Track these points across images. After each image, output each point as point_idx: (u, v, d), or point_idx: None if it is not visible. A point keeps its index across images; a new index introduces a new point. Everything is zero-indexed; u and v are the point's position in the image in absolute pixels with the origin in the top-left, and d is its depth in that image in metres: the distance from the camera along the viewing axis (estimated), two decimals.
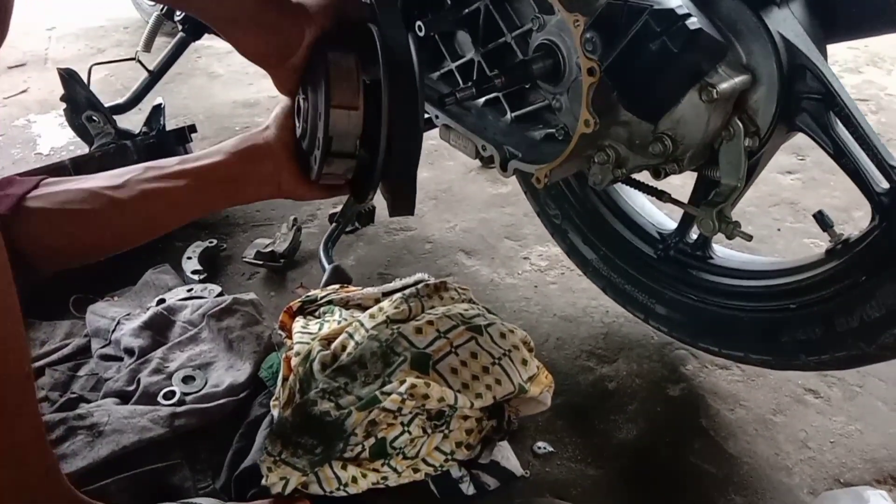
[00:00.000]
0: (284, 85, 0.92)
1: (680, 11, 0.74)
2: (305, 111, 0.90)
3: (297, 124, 0.93)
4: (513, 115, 1.04)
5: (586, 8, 0.82)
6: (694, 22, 0.74)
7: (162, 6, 1.59)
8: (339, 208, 1.49)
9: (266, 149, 0.93)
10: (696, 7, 0.81)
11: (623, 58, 0.78)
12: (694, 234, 1.07)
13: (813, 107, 0.83)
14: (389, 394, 0.86)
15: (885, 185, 0.82)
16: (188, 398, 1.05)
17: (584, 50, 0.82)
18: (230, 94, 2.33)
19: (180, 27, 1.60)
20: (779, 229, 1.51)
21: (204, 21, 0.85)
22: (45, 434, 0.74)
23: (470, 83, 0.96)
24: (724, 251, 1.06)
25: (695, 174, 0.97)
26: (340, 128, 0.84)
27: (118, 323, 1.21)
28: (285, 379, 0.99)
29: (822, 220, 0.91)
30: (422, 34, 1.01)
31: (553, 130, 1.00)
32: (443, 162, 1.85)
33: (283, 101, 0.97)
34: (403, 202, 0.92)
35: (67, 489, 0.77)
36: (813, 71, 0.82)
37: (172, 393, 1.05)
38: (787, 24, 0.82)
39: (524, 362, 0.96)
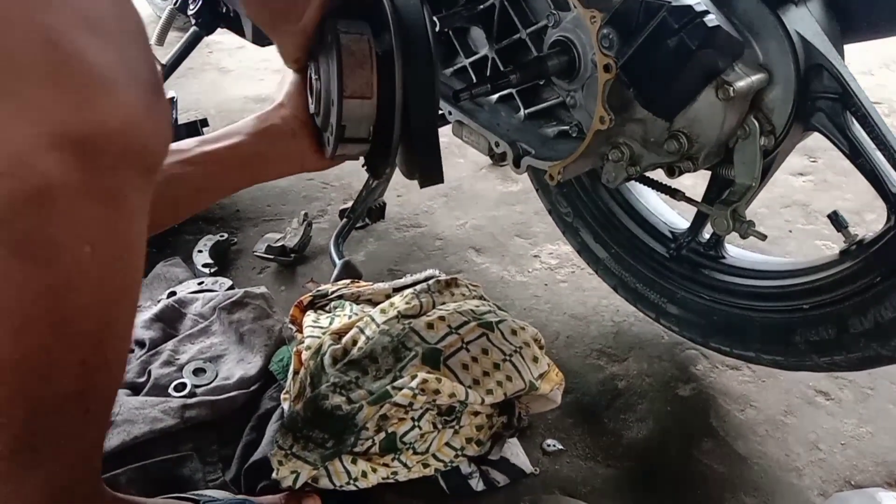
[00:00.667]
0: (292, 54, 0.90)
1: (698, 8, 0.73)
2: (318, 91, 0.89)
3: (310, 100, 0.93)
4: (526, 111, 1.04)
5: (603, 4, 0.81)
6: (712, 19, 0.73)
7: (175, 1, 1.59)
8: (349, 204, 1.49)
9: (285, 127, 0.92)
10: (714, 5, 0.81)
11: (640, 54, 0.78)
12: (706, 234, 1.07)
13: (829, 106, 0.83)
14: (401, 388, 0.86)
15: None
16: (199, 390, 1.05)
17: (601, 46, 0.82)
18: (241, 89, 2.34)
19: (193, 21, 1.61)
20: (790, 231, 1.50)
21: None
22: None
23: (485, 79, 0.96)
24: (736, 251, 1.06)
25: (708, 173, 0.96)
26: (353, 115, 0.84)
27: None
28: (296, 373, 0.99)
29: (836, 220, 0.90)
30: (436, 30, 1.01)
31: (567, 127, 1.00)
32: (453, 159, 1.85)
33: (290, 74, 0.95)
34: (430, 172, 0.92)
35: (103, 487, 0.76)
36: (830, 70, 0.81)
37: (183, 385, 1.05)
38: (805, 22, 0.82)
39: (535, 359, 0.96)
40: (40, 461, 0.62)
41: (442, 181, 0.93)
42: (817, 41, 0.81)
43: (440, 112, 1.11)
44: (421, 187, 0.94)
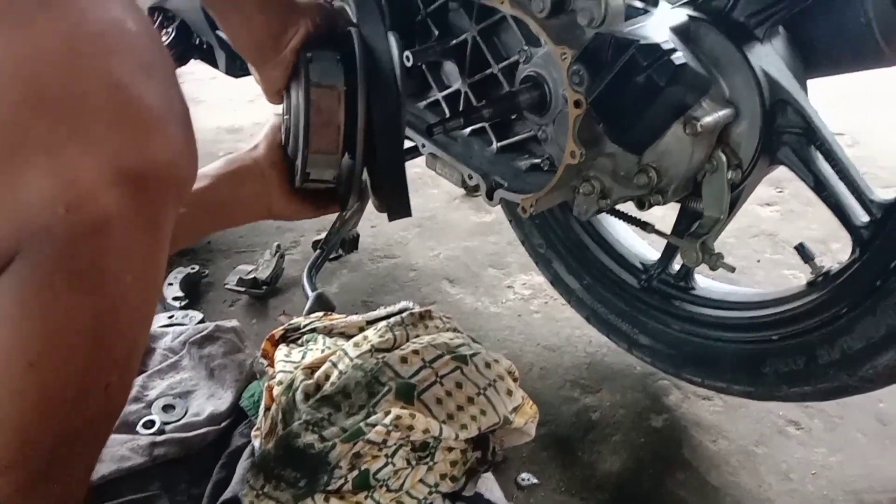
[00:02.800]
0: (274, 85, 0.91)
1: (666, 46, 0.75)
2: (286, 126, 0.91)
3: (283, 130, 0.94)
4: (499, 144, 1.05)
5: (573, 41, 0.83)
6: (679, 57, 0.75)
7: None
8: (323, 235, 1.48)
9: (255, 169, 0.92)
10: (681, 42, 0.83)
11: (609, 91, 0.79)
12: (676, 265, 1.08)
13: (794, 141, 0.85)
14: (374, 425, 0.85)
15: (865, 218, 0.83)
16: (168, 427, 1.03)
17: (571, 82, 0.83)
18: (214, 119, 2.33)
19: None
20: (758, 260, 1.52)
21: (210, 4, 0.85)
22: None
23: (458, 113, 0.97)
24: (706, 282, 1.07)
25: (677, 205, 0.98)
26: (318, 166, 0.88)
27: None
28: (267, 408, 0.97)
29: (803, 252, 0.92)
30: (409, 64, 1.02)
31: (539, 160, 1.01)
32: (427, 190, 1.86)
33: (272, 118, 0.96)
34: (397, 206, 0.93)
35: None
36: (794, 106, 0.83)
37: (152, 422, 1.03)
38: (769, 59, 0.84)
39: (509, 392, 0.96)
40: (48, 493, 0.62)
41: (409, 215, 0.94)
42: (781, 77, 0.83)
43: (413, 144, 1.12)
44: (389, 220, 0.95)
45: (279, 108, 0.99)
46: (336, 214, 1.47)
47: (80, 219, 0.49)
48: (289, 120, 0.91)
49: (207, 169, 0.92)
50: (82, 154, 0.48)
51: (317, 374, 0.97)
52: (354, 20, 0.91)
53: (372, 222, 1.69)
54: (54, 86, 0.46)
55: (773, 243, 1.58)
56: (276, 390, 0.98)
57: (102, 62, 0.48)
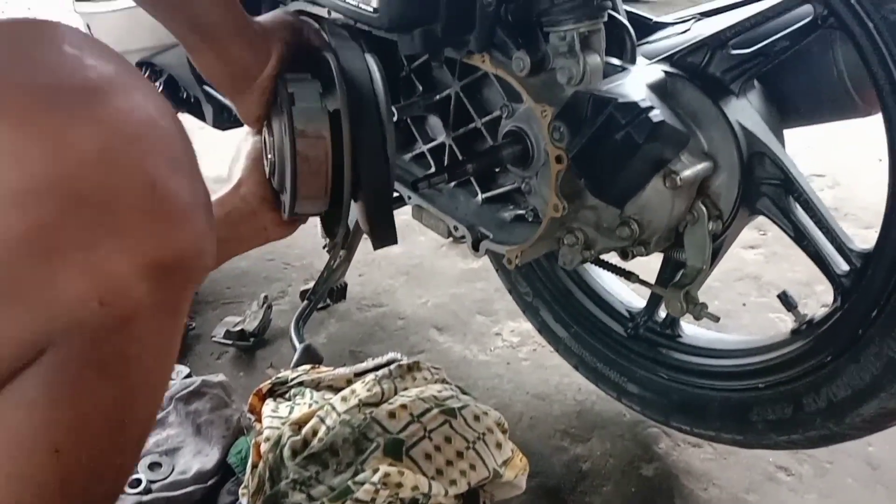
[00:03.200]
0: (252, 113, 0.91)
1: (643, 104, 0.77)
2: (272, 162, 0.90)
3: (266, 160, 0.93)
4: (484, 195, 1.06)
5: (553, 99, 0.85)
6: (657, 114, 0.77)
7: None
8: (310, 285, 1.49)
9: (245, 209, 0.94)
10: (659, 97, 0.85)
11: (589, 147, 0.80)
12: (662, 313, 1.09)
13: (773, 192, 0.86)
14: (362, 483, 0.84)
15: (846, 267, 0.84)
16: (154, 486, 1.02)
17: (552, 138, 0.85)
18: (202, 169, 2.34)
19: None
20: (744, 304, 1.53)
21: (181, 32, 0.83)
22: None
23: (442, 169, 0.98)
24: (692, 329, 1.08)
25: (661, 255, 0.99)
26: (306, 208, 0.89)
27: None
28: (255, 466, 0.96)
29: (786, 300, 0.93)
30: (395, 119, 1.03)
31: (523, 212, 1.02)
32: (414, 237, 1.86)
33: (245, 147, 0.97)
34: (383, 232, 0.93)
35: None
36: (771, 158, 0.85)
37: (138, 481, 1.02)
38: (746, 113, 0.86)
39: (499, 446, 0.96)
40: None
41: (395, 242, 0.94)
42: (758, 130, 0.85)
43: (398, 195, 1.13)
44: (375, 249, 0.95)
45: (246, 133, 0.99)
46: (323, 263, 1.48)
47: (113, 312, 0.50)
48: (272, 158, 0.91)
49: None
50: (117, 251, 0.49)
51: (304, 430, 0.96)
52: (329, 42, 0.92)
53: (360, 270, 1.70)
54: (92, 188, 0.48)
55: (759, 286, 1.59)
56: (264, 447, 0.97)
57: (138, 163, 0.50)
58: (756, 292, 1.57)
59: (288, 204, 0.88)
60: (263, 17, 0.91)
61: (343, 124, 0.84)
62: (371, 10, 0.89)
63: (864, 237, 1.70)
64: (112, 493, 0.62)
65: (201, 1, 0.81)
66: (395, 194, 1.16)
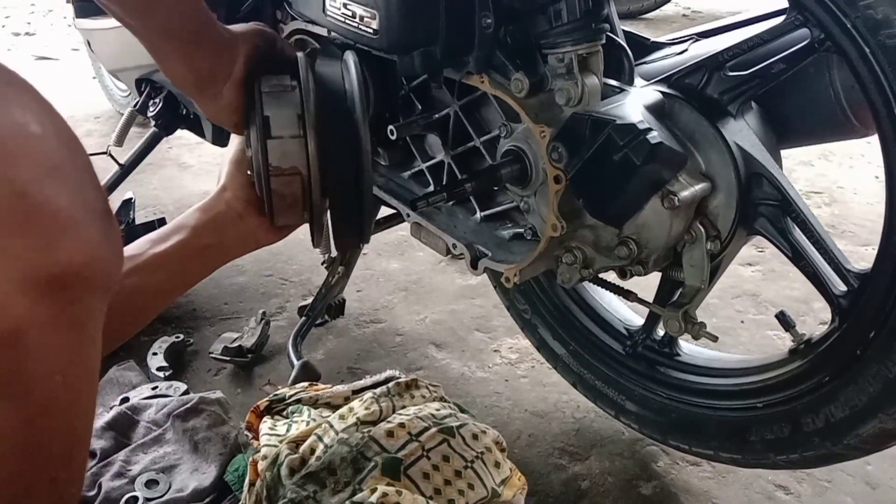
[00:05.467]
0: (228, 116, 0.88)
1: (641, 126, 0.77)
2: (251, 170, 0.89)
3: (249, 165, 0.90)
4: (482, 214, 1.06)
5: (552, 119, 0.85)
6: (655, 136, 0.77)
7: (135, 103, 1.62)
8: (308, 301, 1.49)
9: (231, 213, 0.92)
10: (656, 118, 0.86)
11: (587, 167, 0.81)
12: (661, 331, 1.09)
13: (770, 212, 0.87)
14: (360, 503, 0.84)
15: (843, 287, 0.85)
16: None
17: (551, 159, 0.85)
18: (201, 184, 2.34)
19: (153, 122, 1.63)
20: (742, 321, 1.53)
21: (145, 35, 0.81)
22: None
23: (441, 187, 0.98)
24: (690, 348, 1.08)
25: (660, 273, 0.99)
26: (288, 221, 0.87)
27: None
28: (252, 484, 0.96)
29: (784, 320, 0.93)
30: (393, 137, 1.04)
31: (521, 230, 1.02)
32: (413, 253, 1.87)
33: (228, 152, 0.95)
34: (345, 231, 0.89)
35: None
36: (769, 178, 0.86)
37: (135, 499, 1.02)
38: (743, 134, 0.86)
39: (497, 465, 0.95)
40: None
41: (357, 246, 0.91)
42: (755, 151, 0.86)
43: (396, 212, 1.13)
44: (336, 249, 0.93)
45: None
46: (322, 279, 1.48)
47: None
48: (250, 161, 0.87)
49: (184, 219, 0.91)
50: None
51: (302, 449, 0.96)
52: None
53: (358, 286, 1.70)
54: None
55: (756, 304, 1.60)
56: (261, 465, 0.97)
57: (6, 171, 0.48)
58: (754, 310, 1.57)
59: (268, 218, 0.87)
60: (236, 25, 0.88)
61: (308, 134, 0.81)
62: (371, 31, 0.90)
63: (861, 255, 1.72)
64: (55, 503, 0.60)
65: (166, 5, 0.78)
66: (393, 211, 1.16)
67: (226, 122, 0.90)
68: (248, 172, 0.91)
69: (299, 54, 0.86)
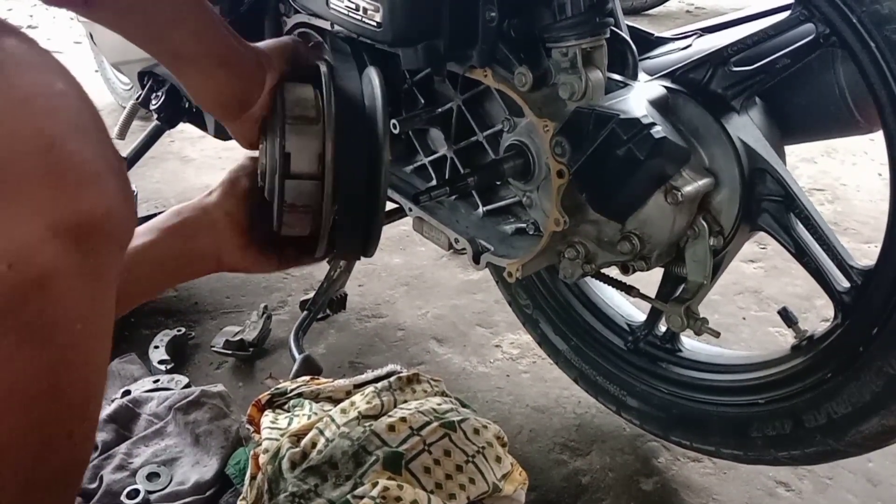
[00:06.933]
0: (248, 139, 0.88)
1: (645, 121, 0.77)
2: (262, 170, 0.86)
3: (259, 173, 0.88)
4: (485, 208, 1.06)
5: (555, 114, 0.85)
6: (658, 131, 0.77)
7: (138, 97, 1.61)
8: (310, 295, 1.48)
9: (204, 220, 0.88)
10: (661, 113, 0.85)
11: (591, 162, 0.81)
12: (663, 327, 1.09)
13: (774, 208, 0.87)
14: (361, 497, 0.84)
15: (846, 283, 0.84)
16: (153, 497, 1.02)
17: (554, 153, 0.85)
18: (203, 178, 2.34)
19: (155, 115, 1.62)
20: (744, 318, 1.53)
21: (164, 60, 0.79)
22: None
23: (443, 181, 0.98)
24: (692, 344, 1.08)
25: (662, 269, 0.99)
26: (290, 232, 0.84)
27: None
28: (253, 477, 0.96)
29: (786, 316, 0.93)
30: (396, 132, 1.03)
31: (524, 225, 1.02)
32: (414, 248, 1.86)
33: (233, 167, 0.93)
34: (349, 249, 0.88)
35: None
36: (772, 174, 0.85)
37: (136, 492, 1.02)
38: (747, 129, 0.86)
39: (498, 459, 0.95)
40: None
41: (359, 257, 0.88)
42: (759, 147, 0.86)
43: (398, 206, 1.13)
44: (339, 254, 0.92)
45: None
46: (324, 273, 1.48)
47: (23, 274, 0.50)
48: (264, 164, 0.86)
49: (154, 222, 0.87)
50: (18, 215, 0.49)
51: (303, 442, 0.96)
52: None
53: (360, 281, 1.70)
54: None
55: (759, 300, 1.59)
56: (262, 458, 0.97)
57: (33, 124, 0.50)
58: (756, 306, 1.57)
59: (274, 226, 0.84)
60: (263, 43, 0.86)
61: (326, 146, 0.79)
62: (375, 24, 0.90)
63: (864, 252, 1.71)
64: (70, 462, 0.61)
65: (181, 31, 0.76)
66: (395, 206, 1.16)
67: (247, 143, 0.89)
68: (260, 184, 0.88)
69: (323, 72, 0.83)
